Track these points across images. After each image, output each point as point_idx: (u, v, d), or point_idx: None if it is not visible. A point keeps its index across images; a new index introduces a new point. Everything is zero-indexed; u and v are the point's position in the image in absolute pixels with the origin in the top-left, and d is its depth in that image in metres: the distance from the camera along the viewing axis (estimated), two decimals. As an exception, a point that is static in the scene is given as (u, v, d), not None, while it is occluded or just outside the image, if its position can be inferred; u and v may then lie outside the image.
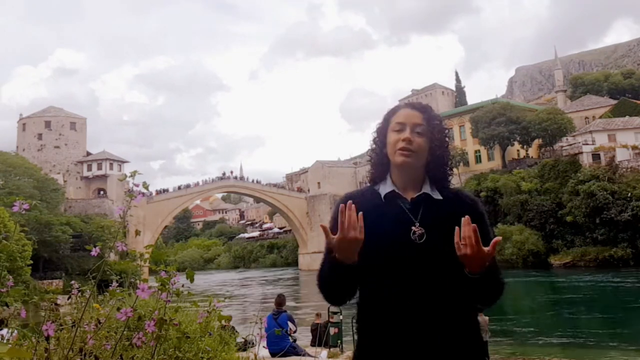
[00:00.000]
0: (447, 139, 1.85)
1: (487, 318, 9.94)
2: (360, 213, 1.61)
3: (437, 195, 1.79)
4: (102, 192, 63.82)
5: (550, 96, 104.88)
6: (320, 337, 11.02)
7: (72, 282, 3.73)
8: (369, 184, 1.91)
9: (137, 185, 2.39)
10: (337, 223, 1.64)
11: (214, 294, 34.16)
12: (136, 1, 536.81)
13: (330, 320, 11.40)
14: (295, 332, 9.40)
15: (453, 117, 68.62)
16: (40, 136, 64.34)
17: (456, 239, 1.57)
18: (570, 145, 56.09)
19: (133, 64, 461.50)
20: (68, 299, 4.41)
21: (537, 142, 59.68)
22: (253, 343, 6.50)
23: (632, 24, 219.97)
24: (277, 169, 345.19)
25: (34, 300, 3.06)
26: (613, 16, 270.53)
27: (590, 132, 56.89)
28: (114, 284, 3.02)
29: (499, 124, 57.22)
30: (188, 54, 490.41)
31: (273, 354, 8.70)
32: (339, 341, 11.49)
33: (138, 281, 2.45)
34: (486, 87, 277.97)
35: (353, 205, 1.60)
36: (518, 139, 58.78)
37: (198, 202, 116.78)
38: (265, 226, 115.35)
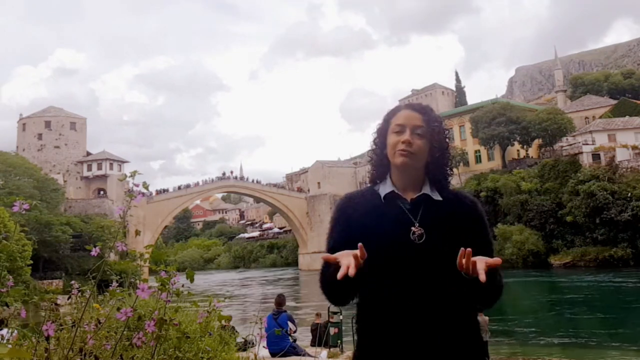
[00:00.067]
0: (447, 140, 1.85)
1: (487, 318, 9.95)
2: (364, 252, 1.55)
3: (437, 196, 1.79)
4: (102, 192, 63.82)
5: (550, 96, 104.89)
6: (320, 337, 11.02)
7: (72, 282, 3.74)
8: (369, 184, 1.92)
9: (137, 185, 2.39)
10: (337, 224, 1.64)
11: (214, 294, 34.17)
12: (136, 1, 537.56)
13: (330, 320, 11.40)
14: (295, 332, 9.40)
15: (453, 117, 68.62)
16: (40, 136, 64.34)
17: (459, 260, 1.57)
18: (570, 145, 56.08)
19: (133, 64, 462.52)
20: (68, 299, 4.41)
21: (537, 142, 59.69)
22: (253, 343, 6.50)
23: (632, 24, 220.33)
24: (277, 169, 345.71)
25: (34, 300, 3.06)
26: (613, 16, 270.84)
27: (590, 132, 56.89)
28: (114, 284, 3.02)
29: (499, 124, 57.23)
30: (188, 54, 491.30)
31: (273, 354, 8.70)
32: (339, 341, 11.49)
33: (138, 281, 2.45)
34: (486, 87, 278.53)
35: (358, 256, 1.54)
36: (518, 139, 58.78)
37: (198, 202, 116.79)
38: (265, 226, 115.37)
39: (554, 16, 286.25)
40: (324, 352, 10.02)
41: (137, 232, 3.93)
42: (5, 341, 2.56)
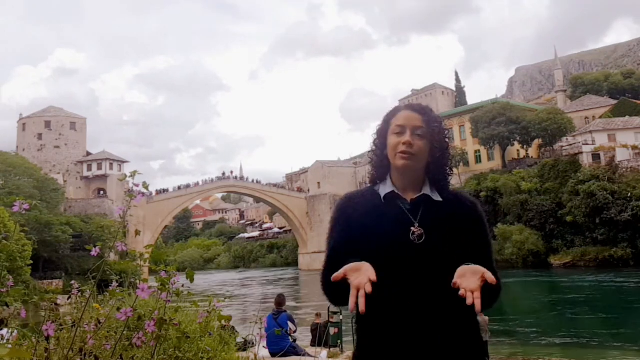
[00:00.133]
0: (447, 141, 1.85)
1: (487, 318, 9.92)
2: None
3: (437, 197, 1.79)
4: (102, 192, 63.84)
5: (550, 96, 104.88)
6: (320, 337, 11.02)
7: (72, 282, 3.74)
8: (369, 185, 1.92)
9: (137, 185, 2.40)
10: (337, 224, 1.63)
11: (214, 294, 34.17)
12: (136, 1, 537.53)
13: (330, 320, 11.40)
14: (295, 332, 9.40)
15: (453, 117, 68.63)
16: (40, 136, 64.35)
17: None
18: (570, 145, 56.09)
19: (133, 64, 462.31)
20: (68, 299, 4.41)
21: (537, 142, 59.69)
22: (253, 343, 6.51)
23: (632, 24, 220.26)
24: (277, 169, 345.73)
25: (34, 300, 3.06)
26: (613, 16, 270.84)
27: (590, 132, 56.89)
28: (114, 284, 3.02)
29: (499, 124, 57.23)
30: (188, 54, 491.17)
31: (273, 354, 8.70)
32: (339, 341, 11.49)
33: (138, 281, 2.45)
34: (486, 87, 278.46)
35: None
36: (518, 139, 58.79)
37: (198, 202, 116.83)
38: (265, 226, 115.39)
39: (554, 16, 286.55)
40: (324, 352, 10.01)
41: (137, 232, 3.93)
42: (5, 341, 2.56)
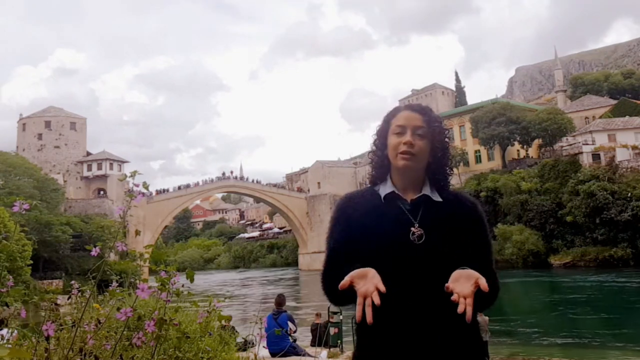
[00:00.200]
0: (447, 141, 1.85)
1: (487, 318, 9.94)
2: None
3: (437, 197, 1.79)
4: (102, 192, 63.84)
5: (550, 96, 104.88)
6: (320, 337, 11.02)
7: (72, 282, 3.74)
8: (369, 185, 1.92)
9: (137, 185, 2.39)
10: (337, 224, 1.63)
11: (214, 294, 34.17)
12: (136, 1, 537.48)
13: (330, 320, 11.41)
14: (295, 332, 9.40)
15: (453, 117, 68.64)
16: (40, 136, 64.36)
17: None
18: (570, 145, 56.10)
19: (133, 64, 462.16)
20: (68, 299, 4.41)
21: (537, 142, 59.70)
22: (253, 343, 6.51)
23: (632, 24, 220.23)
24: (277, 169, 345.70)
25: (34, 300, 3.06)
26: (613, 16, 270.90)
27: (590, 132, 56.90)
28: (114, 284, 3.02)
29: (499, 124, 57.24)
30: (188, 54, 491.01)
31: (273, 354, 8.70)
32: (339, 341, 11.50)
33: (138, 281, 2.45)
34: (486, 87, 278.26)
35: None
36: (518, 139, 58.79)
37: (198, 202, 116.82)
38: (265, 226, 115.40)
39: (554, 16, 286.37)
40: (324, 352, 10.01)
41: (137, 232, 3.93)
42: (5, 341, 2.56)
